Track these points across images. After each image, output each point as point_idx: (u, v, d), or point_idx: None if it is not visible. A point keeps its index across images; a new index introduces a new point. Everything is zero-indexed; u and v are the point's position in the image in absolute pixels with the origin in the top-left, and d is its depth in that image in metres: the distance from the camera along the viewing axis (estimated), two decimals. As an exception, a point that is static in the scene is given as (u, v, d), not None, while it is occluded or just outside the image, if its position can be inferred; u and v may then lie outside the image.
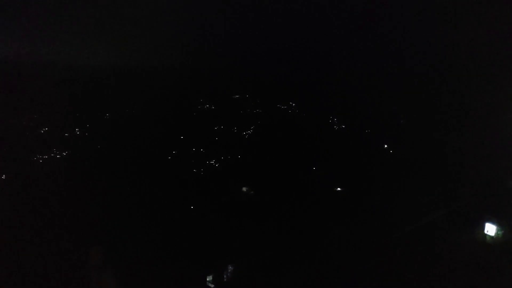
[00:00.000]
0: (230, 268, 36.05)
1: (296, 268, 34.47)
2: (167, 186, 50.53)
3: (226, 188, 51.30)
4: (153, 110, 73.28)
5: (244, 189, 51.09)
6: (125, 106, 74.88)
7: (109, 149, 61.44)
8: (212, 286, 34.63)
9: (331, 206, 46.55)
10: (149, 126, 68.11)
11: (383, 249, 36.05)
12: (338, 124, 67.71)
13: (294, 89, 76.99)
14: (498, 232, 35.22)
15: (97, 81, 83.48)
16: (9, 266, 31.93)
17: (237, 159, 59.24)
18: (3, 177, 49.16)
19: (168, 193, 48.77)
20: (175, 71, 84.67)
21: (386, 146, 60.92)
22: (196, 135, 65.33)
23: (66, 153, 58.94)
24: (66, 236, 37.77)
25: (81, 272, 32.63)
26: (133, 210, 44.67)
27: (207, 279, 34.94)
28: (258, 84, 79.95)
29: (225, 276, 35.64)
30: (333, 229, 40.02)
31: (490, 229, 35.52)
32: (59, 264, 33.37)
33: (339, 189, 51.04)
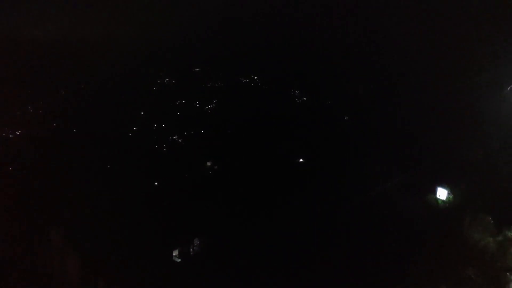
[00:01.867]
0: (196, 241, 36.72)
1: (260, 239, 35.77)
2: (129, 163, 49.67)
3: (190, 163, 51.26)
4: (110, 85, 70.27)
5: (208, 163, 51.31)
6: (81, 81, 71.19)
7: (65, 127, 58.91)
8: (179, 260, 35.27)
9: (293, 177, 48.04)
10: (107, 102, 65.50)
11: (341, 217, 37.97)
12: (300, 97, 68.64)
13: (256, 62, 76.58)
14: (449, 196, 36.96)
15: (50, 54, 78.03)
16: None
17: (200, 134, 58.88)
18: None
19: (130, 170, 48.06)
20: (133, 44, 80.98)
21: (346, 118, 62.72)
22: (157, 110, 63.88)
23: (19, 132, 56.07)
24: (24, 218, 36.65)
25: (42, 254, 32.11)
26: (94, 188, 43.77)
27: (173, 253, 35.49)
28: (219, 57, 78.50)
29: (191, 250, 36.34)
30: (296, 200, 41.56)
31: (442, 193, 37.17)
32: (18, 246, 32.57)
33: (301, 160, 52.50)
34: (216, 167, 51.04)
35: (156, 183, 47.11)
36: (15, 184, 43.34)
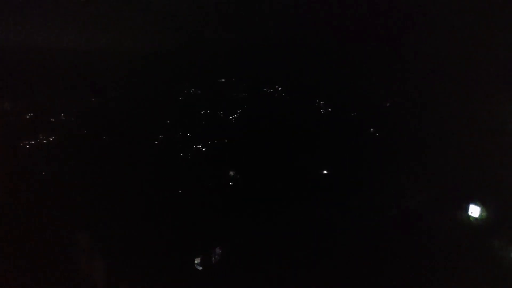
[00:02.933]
0: (218, 250, 36.63)
1: (282, 251, 35.27)
2: (154, 171, 50.60)
3: (213, 172, 51.55)
4: (138, 94, 72.57)
5: (231, 173, 51.42)
6: (111, 90, 74.04)
7: (95, 134, 60.97)
8: (200, 268, 35.25)
9: (317, 189, 47.35)
10: (135, 110, 67.54)
11: (367, 233, 36.87)
12: (325, 108, 68.07)
13: (280, 72, 76.94)
14: (482, 214, 35.44)
15: (82, 65, 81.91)
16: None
17: (223, 144, 59.31)
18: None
19: (155, 178, 48.89)
20: (160, 55, 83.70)
21: (372, 129, 61.49)
22: (183, 119, 65.10)
23: (52, 139, 58.38)
24: (53, 221, 37.88)
25: (69, 256, 33.01)
26: (120, 194, 44.76)
27: (195, 262, 35.52)
28: (243, 68, 79.51)
29: (213, 258, 36.26)
30: (319, 212, 40.81)
31: (474, 210, 35.73)
32: (47, 248, 33.61)
33: (325, 172, 51.74)
34: (238, 176, 51.05)
35: (179, 191, 47.57)
36: (47, 188, 44.98)
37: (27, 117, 64.20)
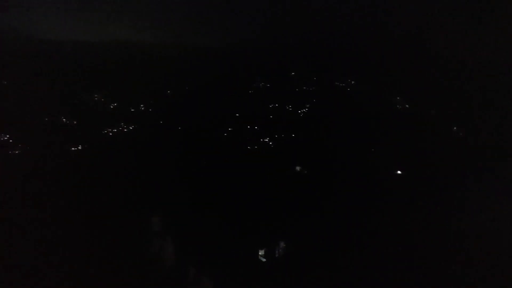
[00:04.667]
0: (281, 244, 36.48)
1: (349, 250, 33.85)
2: (223, 162, 51.81)
3: (280, 166, 51.18)
4: (210, 88, 75.19)
5: (298, 168, 50.60)
6: (185, 83, 77.85)
7: (170, 124, 64.36)
8: (264, 260, 35.42)
9: (390, 189, 44.52)
10: (207, 103, 70.02)
11: (445, 243, 33.88)
12: (401, 103, 63.68)
13: (353, 65, 73.59)
14: None
15: (159, 59, 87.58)
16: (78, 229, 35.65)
17: (291, 138, 58.62)
18: (79, 147, 54.04)
19: (224, 168, 50.02)
20: (231, 49, 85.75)
21: (455, 128, 56.24)
22: (251, 112, 65.74)
23: (132, 127, 62.67)
24: (130, 204, 40.88)
25: (142, 238, 35.39)
26: (192, 182, 46.65)
27: (259, 253, 35.76)
28: (315, 61, 77.60)
29: (276, 252, 36.18)
30: (389, 215, 38.40)
31: None
32: (123, 230, 36.36)
33: (399, 172, 48.51)
34: (305, 172, 50.03)
35: (246, 183, 47.98)
36: (128, 172, 48.47)
37: (111, 107, 69.70)
